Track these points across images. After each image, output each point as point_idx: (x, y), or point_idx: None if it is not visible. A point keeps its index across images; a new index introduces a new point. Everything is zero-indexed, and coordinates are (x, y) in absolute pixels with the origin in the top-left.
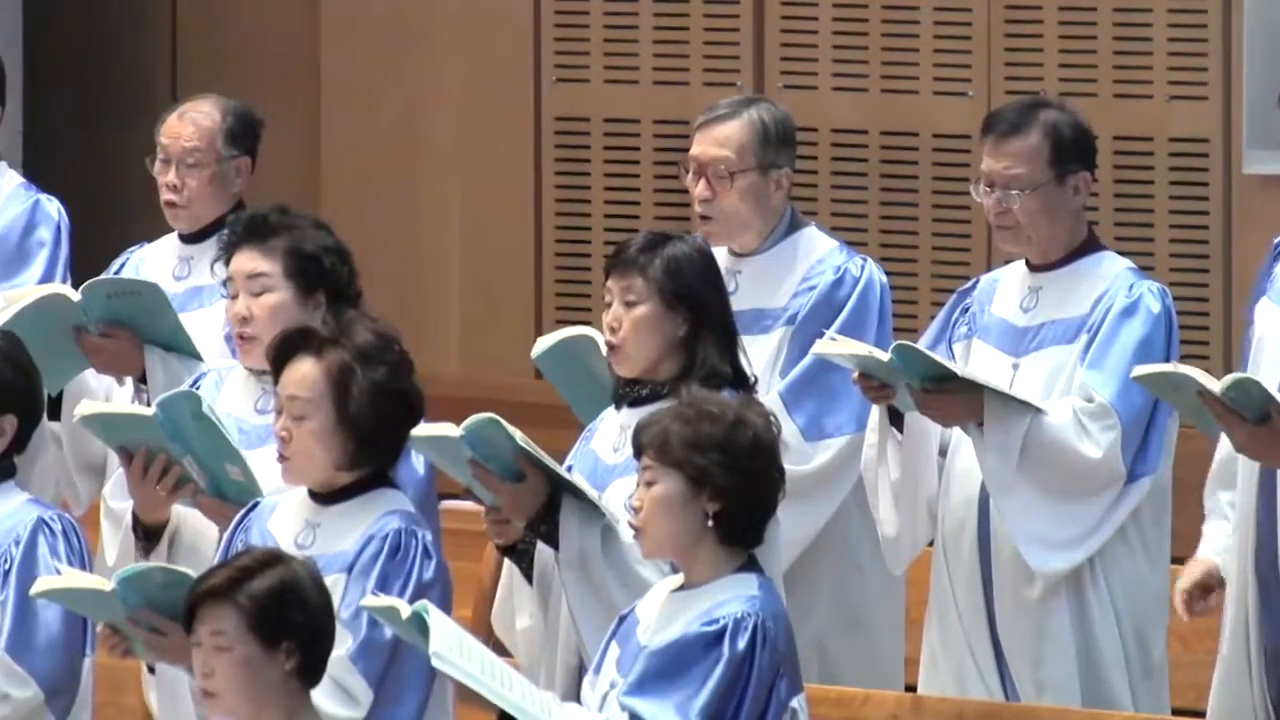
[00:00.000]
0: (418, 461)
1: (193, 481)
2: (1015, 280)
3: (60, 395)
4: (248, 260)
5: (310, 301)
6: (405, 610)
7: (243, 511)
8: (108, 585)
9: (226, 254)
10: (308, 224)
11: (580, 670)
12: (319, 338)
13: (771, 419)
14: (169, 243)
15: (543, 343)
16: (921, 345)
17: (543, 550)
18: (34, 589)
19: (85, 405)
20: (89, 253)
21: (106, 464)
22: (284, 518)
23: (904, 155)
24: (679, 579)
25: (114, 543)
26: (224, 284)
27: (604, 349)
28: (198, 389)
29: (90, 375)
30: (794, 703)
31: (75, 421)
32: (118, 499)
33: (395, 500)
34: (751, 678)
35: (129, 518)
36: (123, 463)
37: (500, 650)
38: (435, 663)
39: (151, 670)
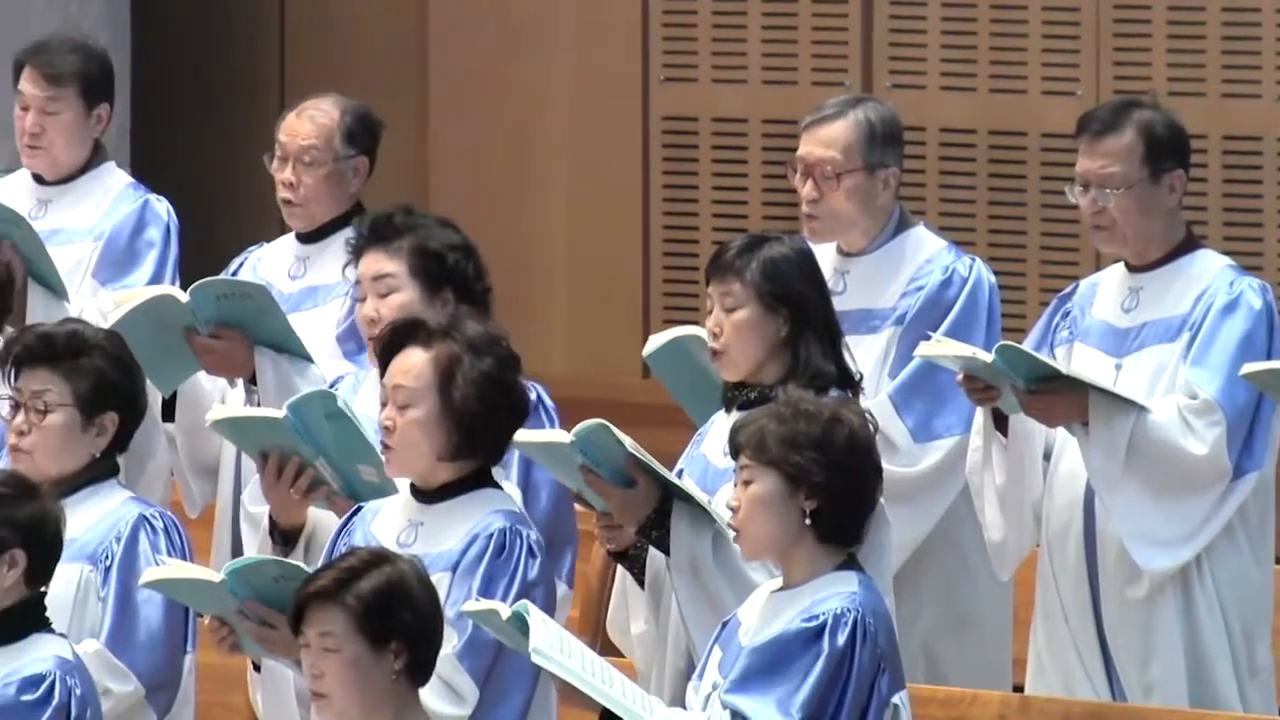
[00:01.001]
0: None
1: (326, 484)
2: (1115, 282)
3: (174, 397)
4: (374, 262)
5: (437, 300)
6: (505, 612)
7: (347, 515)
8: (217, 577)
9: (354, 256)
10: (433, 223)
11: (689, 674)
12: (428, 329)
13: (868, 417)
14: (286, 242)
15: (654, 341)
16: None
17: (654, 555)
18: (142, 579)
19: (216, 410)
20: (192, 252)
21: (220, 466)
22: (387, 519)
23: (1012, 155)
24: (779, 580)
25: (253, 546)
26: (355, 286)
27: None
28: (335, 389)
29: (203, 377)
30: (896, 699)
31: (206, 426)
32: (256, 503)
33: (499, 500)
34: (852, 673)
35: (266, 521)
36: (259, 467)
37: (615, 655)
38: (535, 659)
39: (256, 668)
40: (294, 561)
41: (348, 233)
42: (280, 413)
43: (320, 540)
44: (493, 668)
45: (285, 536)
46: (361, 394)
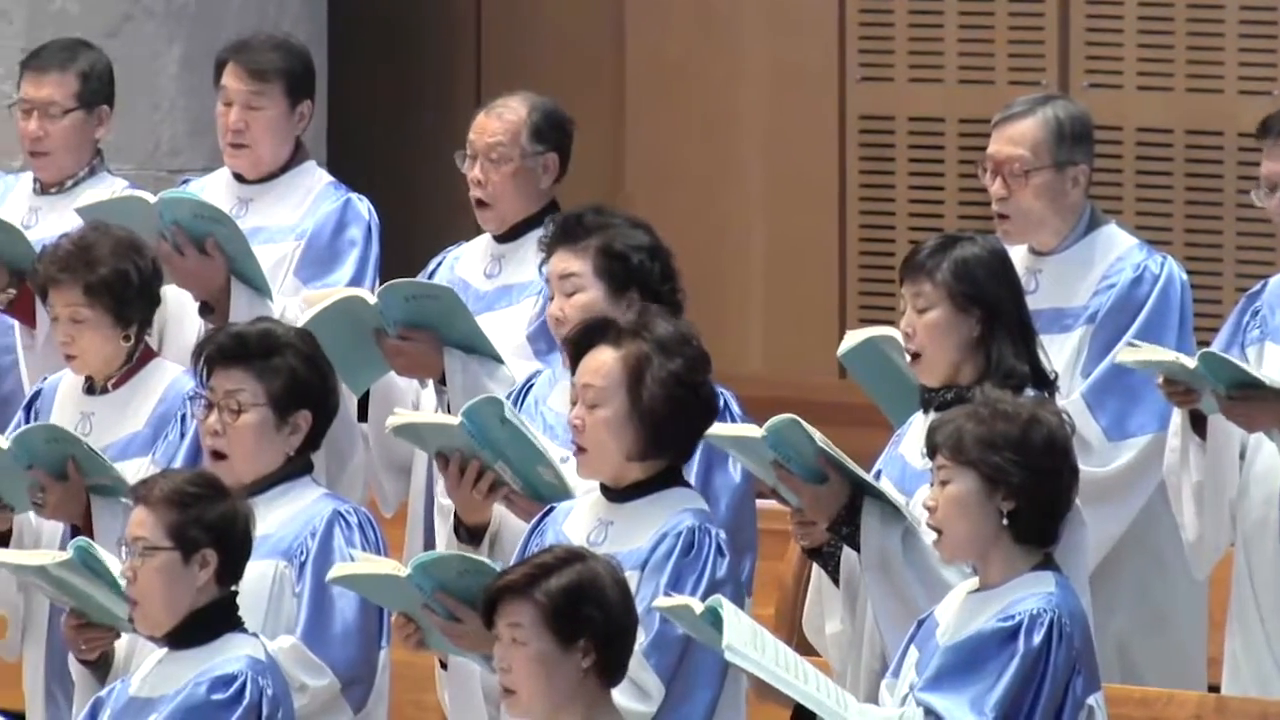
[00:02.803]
0: (734, 469)
1: (507, 484)
2: None
3: (367, 396)
4: (561, 261)
5: (622, 300)
6: (698, 607)
7: (538, 516)
8: (403, 571)
9: (546, 255)
10: (623, 223)
11: (884, 675)
12: (618, 328)
13: (1065, 418)
14: (483, 241)
15: (848, 340)
16: (1215, 348)
17: (849, 553)
18: (330, 574)
19: (395, 417)
20: (390, 252)
21: (414, 464)
22: (578, 519)
23: (1209, 154)
24: (976, 581)
25: (444, 537)
26: (546, 284)
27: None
28: (531, 386)
29: (396, 377)
30: (1091, 700)
31: (387, 432)
32: (447, 496)
33: (689, 499)
34: (1047, 674)
35: (453, 519)
36: (440, 468)
37: (811, 654)
38: (729, 656)
39: (444, 666)
40: (479, 556)
41: (541, 231)
42: (456, 419)
43: (506, 539)
44: (679, 665)
45: (471, 534)
46: (555, 392)
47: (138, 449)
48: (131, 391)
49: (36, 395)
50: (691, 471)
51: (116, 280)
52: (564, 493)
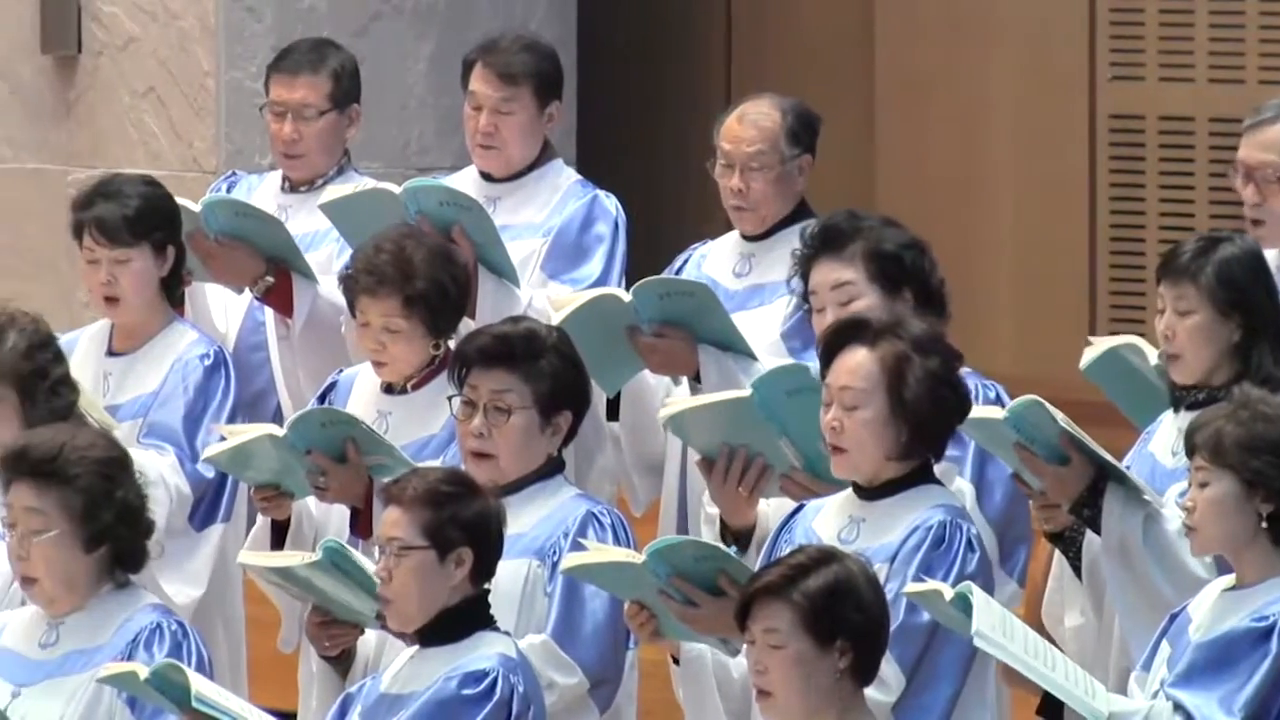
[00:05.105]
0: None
1: (773, 470)
2: None
3: (618, 396)
4: (829, 271)
5: (897, 301)
6: (948, 593)
7: (788, 513)
8: (638, 559)
9: (803, 267)
10: (879, 223)
11: (1128, 674)
12: (873, 327)
13: None
14: (731, 239)
15: (1089, 354)
16: None
17: (1090, 541)
18: (564, 564)
19: (671, 405)
20: (641, 248)
21: (665, 462)
22: (827, 516)
23: None
24: (1230, 579)
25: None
26: (805, 297)
27: (1152, 356)
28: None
29: (648, 375)
30: None
31: (660, 420)
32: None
33: (941, 494)
34: None
35: (718, 524)
36: (703, 471)
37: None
38: (977, 641)
39: (676, 662)
40: (714, 544)
41: (794, 230)
42: (745, 392)
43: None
44: (921, 657)
45: (737, 538)
46: None
47: (433, 452)
48: (432, 394)
49: (331, 387)
50: (966, 464)
51: (434, 292)
52: None
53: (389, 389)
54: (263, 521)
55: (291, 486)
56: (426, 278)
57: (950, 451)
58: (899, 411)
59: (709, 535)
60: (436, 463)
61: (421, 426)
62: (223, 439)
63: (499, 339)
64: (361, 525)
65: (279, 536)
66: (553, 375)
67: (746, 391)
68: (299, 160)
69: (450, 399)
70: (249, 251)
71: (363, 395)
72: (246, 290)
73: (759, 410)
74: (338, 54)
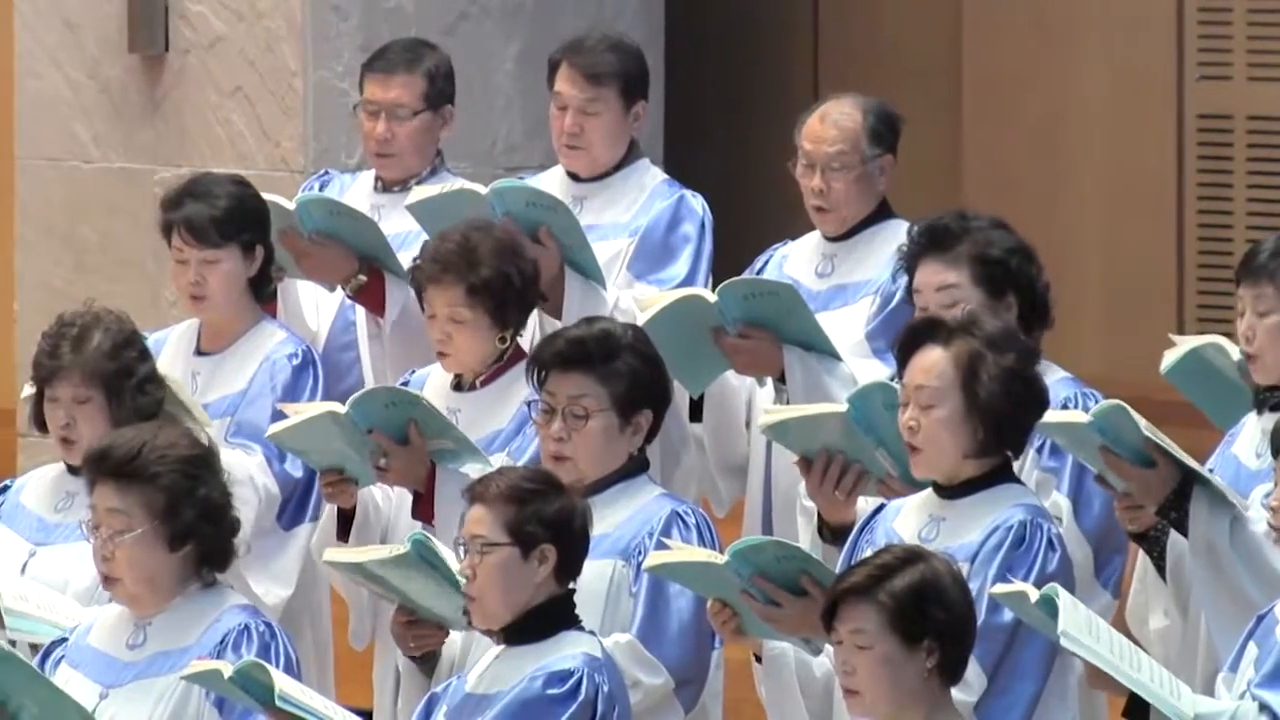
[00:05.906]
0: None
1: (870, 475)
2: None
3: (702, 397)
4: (934, 272)
5: (1000, 305)
6: (1034, 594)
7: (868, 514)
8: (720, 558)
9: (909, 265)
10: (987, 225)
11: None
12: (947, 326)
13: None
14: (813, 240)
15: (1170, 356)
16: None
17: (1175, 541)
18: (647, 563)
19: (769, 414)
20: (726, 249)
21: (749, 464)
22: (908, 515)
23: None
24: None
25: (806, 537)
26: (908, 293)
27: (1235, 355)
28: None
29: (731, 377)
30: None
31: (761, 428)
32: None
33: (1021, 494)
34: None
35: (815, 519)
36: (802, 471)
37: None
38: (1064, 642)
39: (758, 660)
40: (795, 543)
41: (877, 231)
42: (842, 407)
43: None
44: (1003, 656)
45: (834, 534)
46: None
47: (499, 447)
48: (500, 390)
49: (403, 386)
50: (1064, 476)
51: (498, 281)
52: None
53: (458, 386)
54: (329, 511)
55: (355, 472)
56: (491, 267)
57: (1048, 463)
58: (974, 409)
59: (806, 528)
60: (504, 455)
61: (489, 422)
62: (286, 418)
63: (574, 342)
64: (422, 509)
65: (345, 527)
66: (630, 374)
67: (843, 406)
68: (392, 160)
69: (529, 404)
70: (342, 250)
71: (432, 393)
72: (339, 288)
73: (855, 424)
74: (433, 54)
